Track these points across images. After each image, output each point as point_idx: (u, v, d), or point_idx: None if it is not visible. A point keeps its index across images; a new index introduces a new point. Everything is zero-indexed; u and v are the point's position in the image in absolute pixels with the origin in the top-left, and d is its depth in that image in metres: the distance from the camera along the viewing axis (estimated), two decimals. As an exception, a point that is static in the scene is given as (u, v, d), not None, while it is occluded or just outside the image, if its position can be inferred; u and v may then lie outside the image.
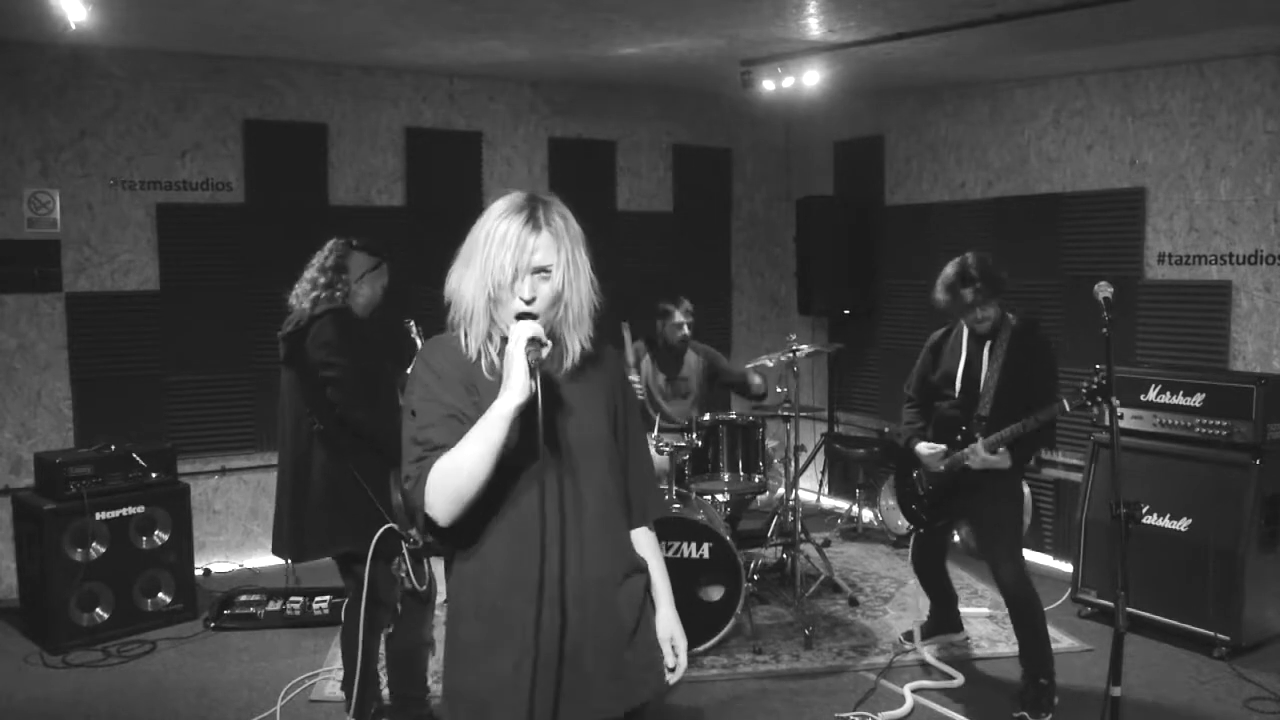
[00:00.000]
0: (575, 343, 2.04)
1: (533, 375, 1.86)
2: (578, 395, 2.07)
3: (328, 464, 3.57)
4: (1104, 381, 3.58)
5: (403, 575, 3.53)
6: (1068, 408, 3.86)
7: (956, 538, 5.58)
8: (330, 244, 3.77)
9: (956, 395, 4.28)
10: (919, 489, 4.45)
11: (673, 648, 2.19)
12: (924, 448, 4.35)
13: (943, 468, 4.26)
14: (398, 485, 3.30)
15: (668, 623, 2.20)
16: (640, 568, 2.17)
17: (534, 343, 1.88)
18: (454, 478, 1.89)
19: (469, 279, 1.98)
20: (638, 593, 2.12)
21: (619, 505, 2.12)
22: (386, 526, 3.42)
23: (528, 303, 1.95)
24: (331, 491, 3.55)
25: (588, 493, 2.02)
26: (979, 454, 4.03)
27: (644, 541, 2.23)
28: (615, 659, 2.04)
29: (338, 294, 3.66)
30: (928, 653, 4.67)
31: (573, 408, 2.05)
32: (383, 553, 3.48)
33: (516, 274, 1.94)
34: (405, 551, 3.48)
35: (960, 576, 5.60)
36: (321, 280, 3.67)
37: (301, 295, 3.69)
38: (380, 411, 3.47)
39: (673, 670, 2.18)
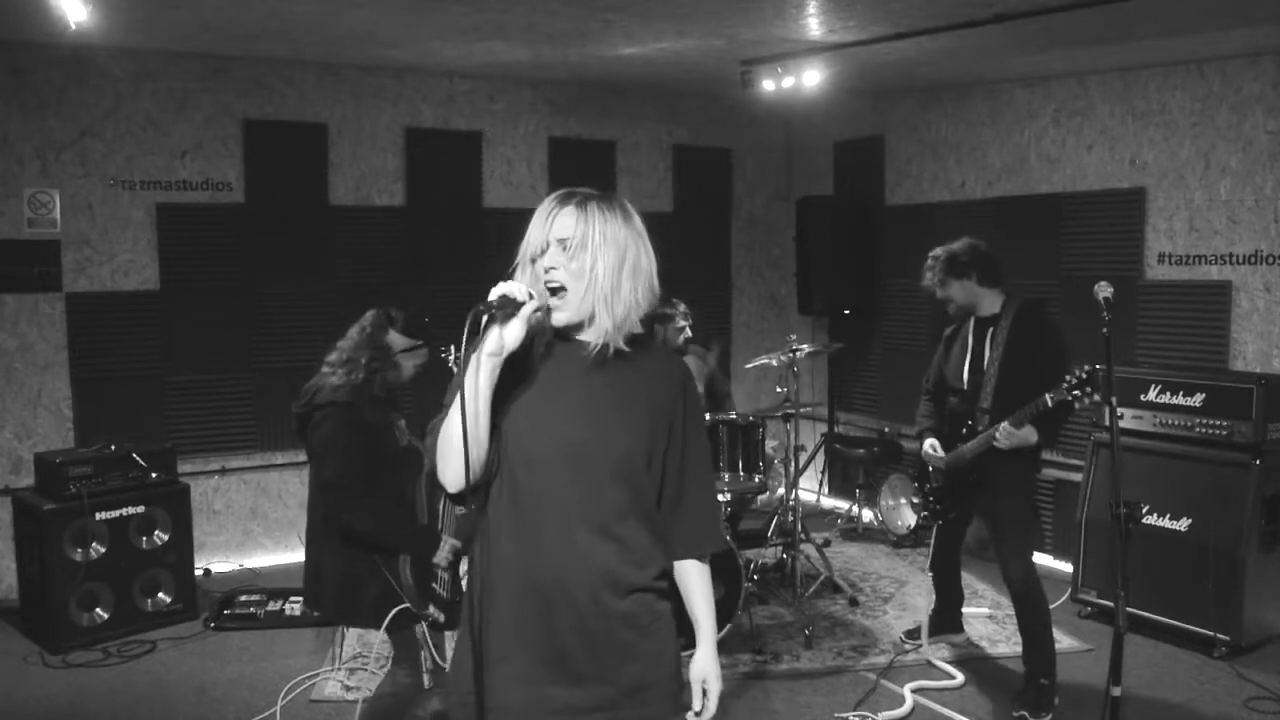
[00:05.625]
0: (608, 320, 1.97)
1: (480, 323, 1.84)
2: (595, 393, 2.00)
3: (346, 536, 3.30)
4: (1091, 371, 3.61)
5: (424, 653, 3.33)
6: (1050, 402, 3.83)
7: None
8: (370, 315, 3.38)
9: (965, 388, 4.30)
10: (932, 481, 4.48)
11: (704, 690, 2.07)
12: (927, 447, 4.41)
13: (944, 467, 4.33)
14: (405, 563, 3.18)
15: (703, 663, 2.08)
16: (656, 590, 2.04)
17: (501, 299, 1.88)
18: (446, 431, 1.92)
19: (517, 269, 2.02)
20: (637, 613, 2.00)
21: (626, 517, 1.99)
22: (401, 607, 3.20)
23: (547, 271, 1.96)
24: (350, 564, 3.28)
25: (570, 495, 1.95)
26: (1005, 430, 3.99)
27: (692, 575, 2.11)
28: (602, 678, 1.96)
29: (356, 375, 3.26)
30: (934, 653, 4.67)
31: (578, 404, 1.99)
32: (397, 630, 3.27)
33: (543, 249, 1.98)
34: (425, 629, 3.29)
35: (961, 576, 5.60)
36: (358, 358, 3.28)
37: (333, 366, 3.31)
38: (376, 508, 3.21)
39: (699, 714, 2.06)
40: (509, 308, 1.88)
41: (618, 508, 1.98)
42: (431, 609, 3.21)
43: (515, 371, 1.97)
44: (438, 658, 3.34)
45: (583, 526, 1.96)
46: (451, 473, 1.93)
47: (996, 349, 4.19)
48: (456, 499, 1.99)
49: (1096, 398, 3.68)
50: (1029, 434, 4.00)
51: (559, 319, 1.99)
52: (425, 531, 3.26)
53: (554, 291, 1.97)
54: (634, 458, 2.00)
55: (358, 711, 3.49)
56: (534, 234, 2.00)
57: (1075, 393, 3.74)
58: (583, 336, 2.03)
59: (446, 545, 3.23)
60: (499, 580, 1.99)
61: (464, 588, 2.44)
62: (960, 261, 4.25)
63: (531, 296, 1.91)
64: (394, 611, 3.20)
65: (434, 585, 3.24)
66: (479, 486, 1.97)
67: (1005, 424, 3.99)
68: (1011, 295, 4.31)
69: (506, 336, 1.88)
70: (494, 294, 1.89)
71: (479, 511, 2.02)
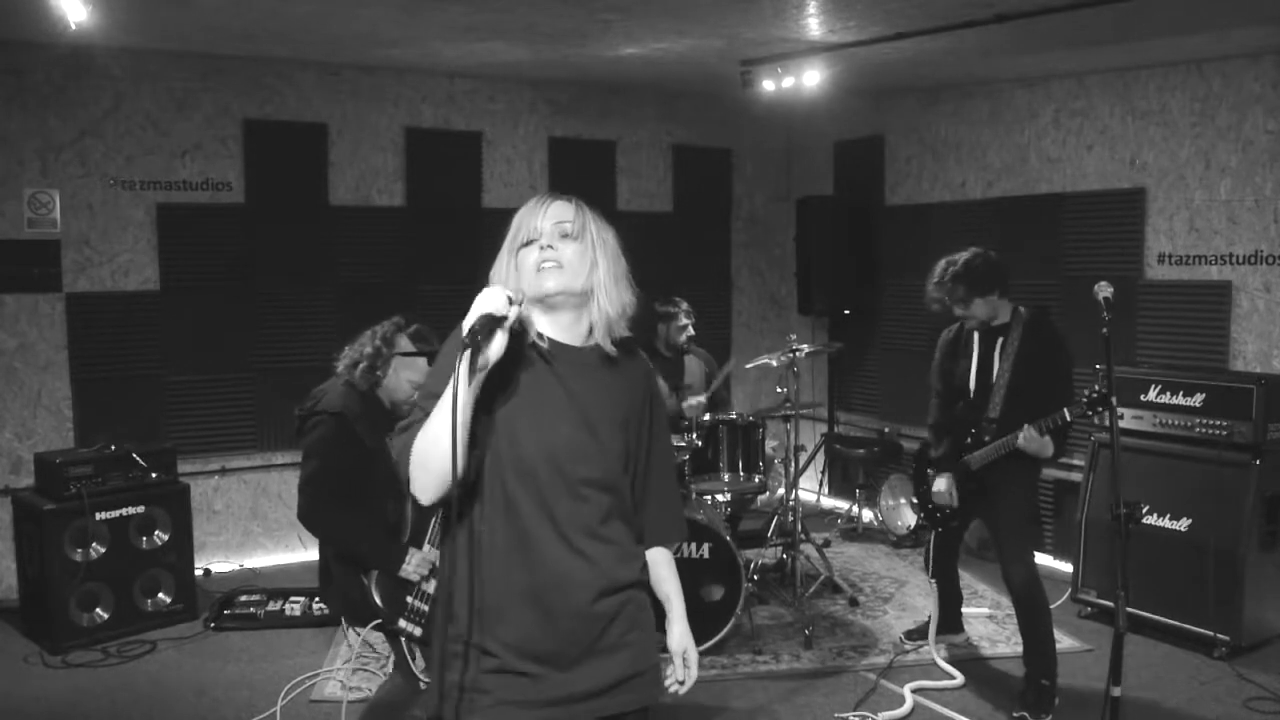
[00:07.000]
0: (609, 307, 2.05)
1: (472, 341, 1.84)
2: (579, 397, 2.03)
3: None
4: (1105, 391, 3.57)
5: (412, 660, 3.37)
6: (1069, 416, 3.87)
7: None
8: (391, 320, 3.48)
9: (973, 398, 4.28)
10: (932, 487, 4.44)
11: (684, 661, 2.19)
12: (940, 485, 4.35)
13: (954, 503, 4.31)
14: (370, 579, 3.21)
15: (681, 637, 2.22)
16: (641, 583, 2.14)
17: (483, 321, 1.85)
18: (422, 443, 1.92)
19: (501, 258, 2.06)
20: (627, 606, 2.08)
21: (610, 519, 2.06)
22: (374, 623, 3.27)
23: (542, 249, 2.00)
24: (335, 563, 3.39)
25: (560, 500, 1.98)
26: (1029, 435, 3.97)
27: (660, 561, 2.24)
28: (596, 668, 2.02)
29: (358, 377, 3.35)
30: (937, 653, 4.66)
31: (564, 409, 2.01)
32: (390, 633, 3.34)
33: (536, 235, 2.02)
34: (404, 639, 3.32)
35: (960, 576, 5.60)
36: (364, 347, 3.39)
37: (343, 360, 3.41)
38: (339, 520, 3.26)
39: (681, 683, 2.19)
40: (491, 325, 1.88)
41: (603, 510, 2.04)
42: (402, 623, 3.20)
43: (498, 379, 1.96)
44: (418, 669, 3.36)
45: (575, 531, 2.00)
46: (424, 484, 1.93)
47: (1007, 359, 4.17)
48: (428, 509, 2.00)
49: (1097, 421, 3.71)
50: (1047, 444, 4.02)
51: (550, 286, 2.00)
52: (388, 547, 3.22)
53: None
54: (615, 460, 2.07)
55: (358, 713, 3.50)
56: (526, 221, 2.04)
57: (1090, 411, 3.79)
58: (570, 340, 2.06)
59: (414, 559, 3.19)
60: (491, 589, 1.99)
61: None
62: (983, 277, 4.16)
63: (511, 302, 1.90)
64: (371, 625, 3.27)
65: (410, 599, 3.22)
66: (450, 498, 1.95)
67: (1030, 429, 3.97)
68: (1016, 303, 4.29)
69: (490, 353, 1.89)
70: (474, 316, 1.87)
71: (459, 521, 2.02)
